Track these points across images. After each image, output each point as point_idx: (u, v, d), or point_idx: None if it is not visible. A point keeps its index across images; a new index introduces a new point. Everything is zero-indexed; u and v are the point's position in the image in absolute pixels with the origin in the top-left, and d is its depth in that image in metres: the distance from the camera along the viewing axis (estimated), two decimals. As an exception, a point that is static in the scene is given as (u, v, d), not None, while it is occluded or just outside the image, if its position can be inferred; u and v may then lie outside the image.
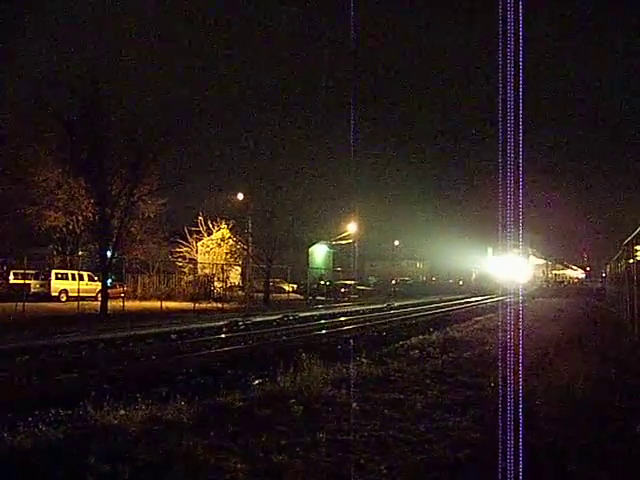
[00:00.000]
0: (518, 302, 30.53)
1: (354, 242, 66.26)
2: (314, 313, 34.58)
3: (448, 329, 22.56)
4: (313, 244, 72.33)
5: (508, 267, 56.40)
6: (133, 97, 34.41)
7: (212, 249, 54.84)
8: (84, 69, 33.62)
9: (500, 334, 20.02)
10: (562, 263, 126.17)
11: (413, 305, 41.15)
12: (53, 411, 9.60)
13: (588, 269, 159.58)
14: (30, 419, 9.17)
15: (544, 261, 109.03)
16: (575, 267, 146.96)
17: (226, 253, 54.25)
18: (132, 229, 38.84)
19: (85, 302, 35.41)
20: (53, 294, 41.27)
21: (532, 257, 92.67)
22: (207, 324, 26.44)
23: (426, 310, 35.86)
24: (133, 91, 33.95)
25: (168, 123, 34.32)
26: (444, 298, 49.58)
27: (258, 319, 29.14)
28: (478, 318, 28.83)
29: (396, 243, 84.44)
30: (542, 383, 11.06)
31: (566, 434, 8.28)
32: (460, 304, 43.94)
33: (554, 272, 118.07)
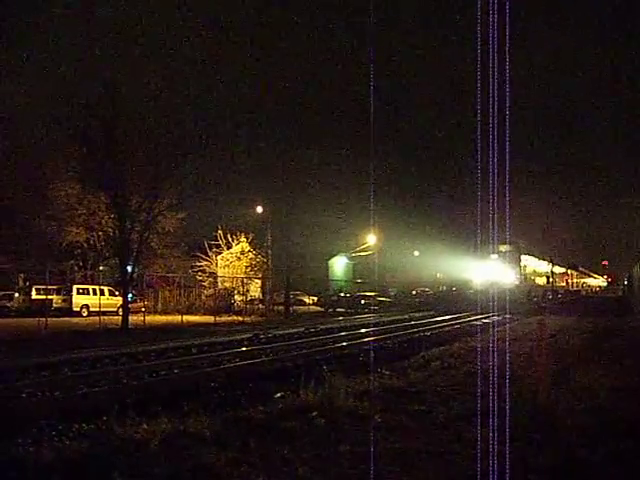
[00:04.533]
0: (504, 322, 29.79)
1: (374, 253, 66.11)
2: (335, 325, 34.49)
3: (469, 339, 22.47)
4: (333, 256, 72.32)
5: (502, 275, 51.71)
6: (151, 112, 34.54)
7: (232, 262, 54.91)
8: (101, 84, 33.88)
9: (520, 344, 19.93)
10: (578, 270, 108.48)
11: (433, 316, 40.95)
12: (76, 425, 9.64)
13: (609, 277, 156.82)
14: (54, 433, 9.22)
15: (563, 269, 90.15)
16: (596, 275, 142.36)
17: (246, 266, 54.31)
18: (152, 244, 38.98)
19: (106, 317, 35.61)
20: (75, 309, 41.61)
21: (553, 266, 76.79)
22: (228, 337, 26.47)
23: (446, 321, 35.63)
24: (151, 106, 34.05)
25: (187, 137, 34.54)
26: (463, 309, 47.94)
27: (279, 332, 29.13)
28: (499, 329, 28.70)
29: (416, 254, 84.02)
30: (564, 392, 10.98)
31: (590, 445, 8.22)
32: (479, 315, 42.82)
33: (572, 281, 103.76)
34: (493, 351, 16.84)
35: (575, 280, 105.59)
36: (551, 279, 74.39)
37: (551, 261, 74.96)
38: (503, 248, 50.52)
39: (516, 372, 13.50)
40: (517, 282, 53.04)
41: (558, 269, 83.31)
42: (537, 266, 68.60)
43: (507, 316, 31.12)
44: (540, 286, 68.93)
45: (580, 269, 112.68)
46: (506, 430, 8.76)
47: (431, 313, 45.55)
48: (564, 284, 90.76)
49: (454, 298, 57.28)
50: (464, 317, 38.83)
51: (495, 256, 50.23)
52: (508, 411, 9.79)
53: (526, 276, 59.10)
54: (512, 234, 51.82)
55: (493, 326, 26.28)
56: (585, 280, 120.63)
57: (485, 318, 34.70)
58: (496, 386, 12.16)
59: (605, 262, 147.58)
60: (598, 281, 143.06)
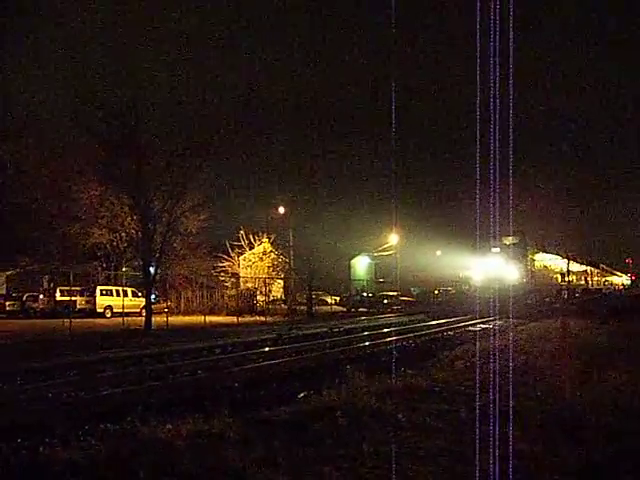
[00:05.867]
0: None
1: (396, 253, 65.99)
2: (357, 325, 34.46)
3: (492, 339, 22.38)
4: (355, 256, 72.23)
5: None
6: (173, 113, 34.73)
7: (254, 263, 55.07)
8: (122, 87, 34.06)
9: (544, 344, 19.83)
10: (598, 267, 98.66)
11: (456, 315, 40.67)
12: (102, 426, 9.70)
13: (633, 275, 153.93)
14: (80, 433, 9.30)
15: (582, 267, 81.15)
16: (619, 273, 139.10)
17: (268, 267, 54.45)
18: (175, 245, 39.19)
19: (129, 318, 35.78)
20: (98, 310, 41.88)
21: (572, 263, 69.15)
22: (251, 338, 26.51)
23: (469, 320, 35.39)
24: (173, 107, 34.25)
25: (208, 139, 34.62)
26: (485, 307, 44.75)
27: (301, 332, 29.13)
28: (522, 327, 28.56)
29: (438, 253, 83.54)
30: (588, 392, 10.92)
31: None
32: (502, 314, 40.20)
33: (594, 279, 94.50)
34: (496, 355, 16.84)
35: (596, 278, 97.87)
36: (567, 277, 66.64)
37: (567, 257, 66.76)
38: (507, 240, 44.80)
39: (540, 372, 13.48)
40: (524, 279, 47.09)
41: (577, 267, 76.00)
42: (551, 262, 60.75)
43: (497, 322, 29.00)
44: (554, 284, 61.51)
45: (601, 266, 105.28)
46: (530, 429, 8.75)
47: (456, 311, 44.30)
48: (583, 282, 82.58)
49: (468, 299, 49.87)
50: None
51: (497, 250, 44.62)
52: (531, 411, 9.78)
53: (533, 273, 51.59)
54: (522, 227, 47.32)
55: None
56: (607, 278, 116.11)
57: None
58: (519, 383, 12.14)
59: (629, 260, 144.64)
60: (622, 279, 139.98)
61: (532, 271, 50.68)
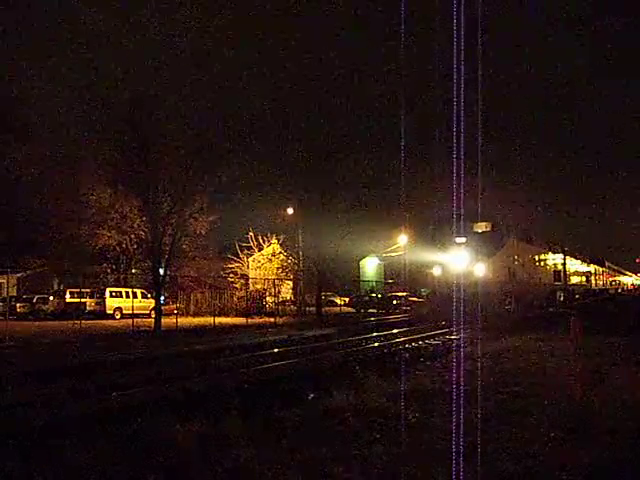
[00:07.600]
0: None
1: (405, 253, 65.86)
2: (366, 326, 34.37)
3: (501, 340, 22.34)
4: (364, 257, 72.15)
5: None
6: (183, 114, 34.76)
7: (263, 264, 55.03)
8: (132, 89, 34.08)
9: (549, 344, 19.78)
10: (604, 265, 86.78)
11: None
12: (110, 427, 9.69)
13: None
14: (88, 435, 9.28)
15: (589, 267, 70.99)
16: (628, 272, 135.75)
17: (277, 268, 54.38)
18: (184, 246, 39.15)
19: (139, 319, 35.80)
20: (108, 312, 42.06)
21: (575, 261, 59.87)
22: (260, 339, 26.49)
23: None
24: (183, 108, 34.29)
25: (217, 140, 34.63)
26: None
27: (311, 333, 29.09)
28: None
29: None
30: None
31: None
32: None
33: (603, 279, 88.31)
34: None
35: (603, 278, 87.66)
36: (563, 275, 54.03)
37: (562, 251, 54.59)
38: (478, 228, 35.83)
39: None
40: (502, 278, 37.29)
41: (578, 265, 65.55)
42: (543, 258, 49.53)
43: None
44: (548, 284, 50.29)
45: (607, 265, 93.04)
46: (539, 429, 8.72)
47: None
48: (585, 282, 70.18)
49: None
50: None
51: (462, 239, 35.04)
52: (541, 410, 9.75)
53: (516, 270, 40.60)
54: (500, 214, 37.47)
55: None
56: (615, 278, 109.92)
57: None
58: (526, 384, 12.09)
59: (639, 259, 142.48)
60: (632, 279, 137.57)
61: (514, 267, 40.64)
